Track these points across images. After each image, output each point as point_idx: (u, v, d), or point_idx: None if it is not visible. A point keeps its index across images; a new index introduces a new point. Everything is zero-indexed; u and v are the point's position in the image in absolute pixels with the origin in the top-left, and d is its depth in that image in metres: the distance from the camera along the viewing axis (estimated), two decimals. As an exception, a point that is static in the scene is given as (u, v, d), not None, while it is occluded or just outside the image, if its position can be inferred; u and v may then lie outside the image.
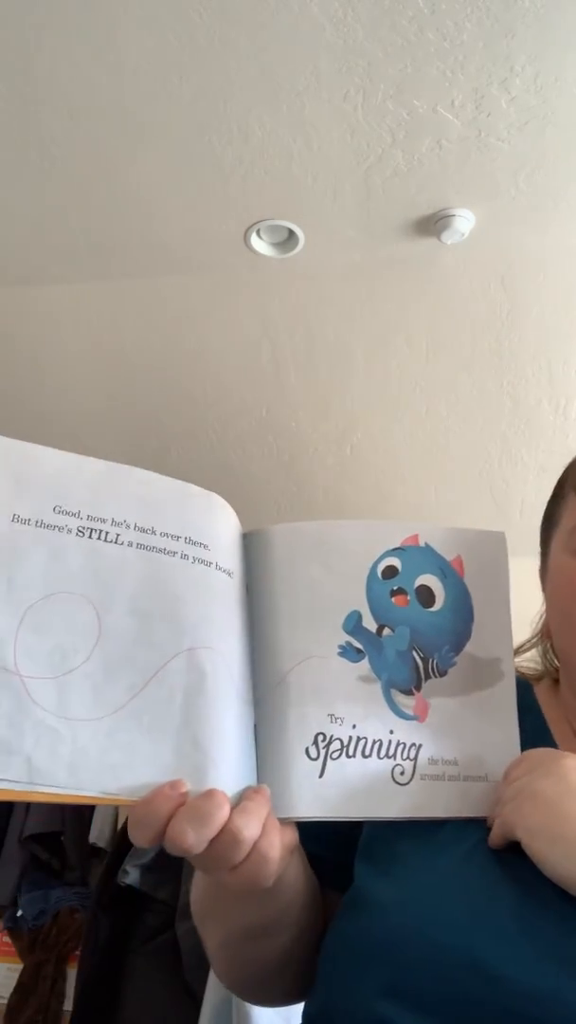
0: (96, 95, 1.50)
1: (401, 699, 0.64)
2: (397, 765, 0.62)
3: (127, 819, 0.56)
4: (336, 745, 0.61)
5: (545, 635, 0.81)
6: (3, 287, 1.99)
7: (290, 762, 0.60)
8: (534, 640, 0.82)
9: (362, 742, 0.62)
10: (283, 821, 0.58)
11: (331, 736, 0.61)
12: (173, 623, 0.59)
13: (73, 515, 0.59)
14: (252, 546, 0.66)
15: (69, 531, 0.59)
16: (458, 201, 1.71)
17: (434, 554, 0.69)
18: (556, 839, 0.56)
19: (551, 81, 1.45)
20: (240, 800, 0.55)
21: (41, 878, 2.33)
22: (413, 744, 0.63)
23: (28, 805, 2.32)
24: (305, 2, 1.33)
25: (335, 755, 0.61)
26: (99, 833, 2.31)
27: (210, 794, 0.53)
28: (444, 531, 0.70)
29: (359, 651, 0.64)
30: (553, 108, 1.50)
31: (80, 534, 0.59)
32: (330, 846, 0.70)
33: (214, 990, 1.57)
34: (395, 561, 0.67)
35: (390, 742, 0.63)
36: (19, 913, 2.29)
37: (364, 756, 0.61)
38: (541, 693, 0.78)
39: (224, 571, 0.63)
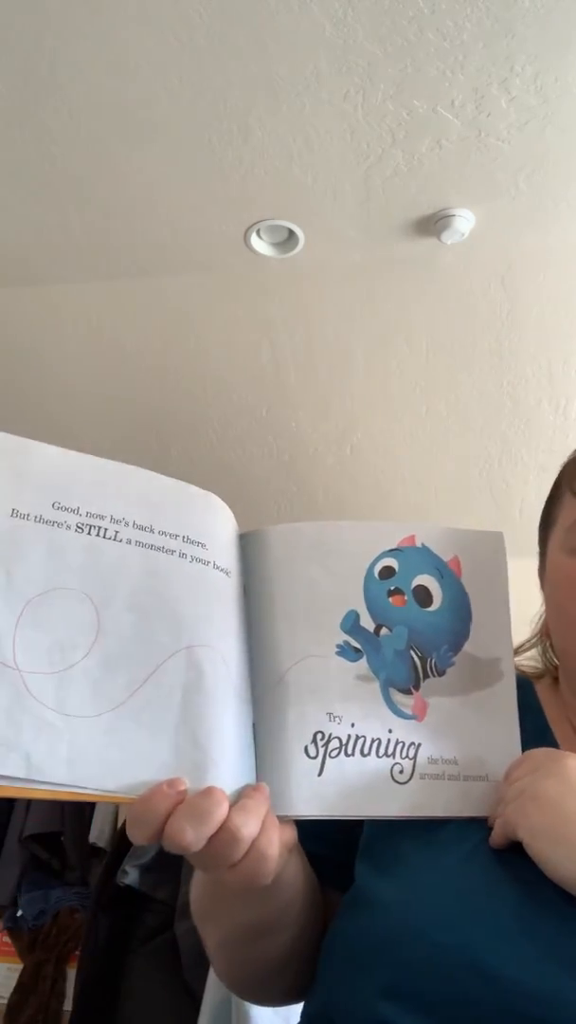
0: (96, 95, 1.50)
1: (400, 698, 0.64)
2: (396, 764, 0.62)
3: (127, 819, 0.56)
4: (335, 744, 0.61)
5: (545, 634, 0.81)
6: (3, 287, 1.99)
7: (289, 760, 0.60)
8: (534, 639, 0.82)
9: (361, 741, 0.62)
10: (282, 819, 0.58)
11: (330, 735, 0.61)
12: (172, 621, 0.59)
13: (72, 511, 0.59)
14: (249, 547, 0.66)
15: (68, 527, 0.59)
16: (458, 201, 1.71)
17: (431, 555, 0.69)
18: (559, 840, 0.56)
19: (551, 81, 1.45)
20: (239, 798, 0.55)
21: (41, 878, 2.33)
22: (412, 743, 0.63)
23: (28, 804, 2.33)
24: (305, 2, 1.33)
25: (334, 754, 0.61)
26: (99, 833, 2.31)
27: (209, 792, 0.53)
28: (441, 531, 0.70)
29: (357, 650, 0.64)
30: (553, 108, 1.50)
31: (80, 530, 0.59)
32: (331, 845, 0.70)
33: (213, 990, 1.57)
34: (392, 562, 0.68)
35: (389, 741, 0.63)
36: (19, 913, 2.29)
37: (363, 755, 0.62)
38: (542, 692, 0.78)
39: (222, 570, 0.63)
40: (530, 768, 0.62)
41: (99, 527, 0.60)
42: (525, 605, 0.77)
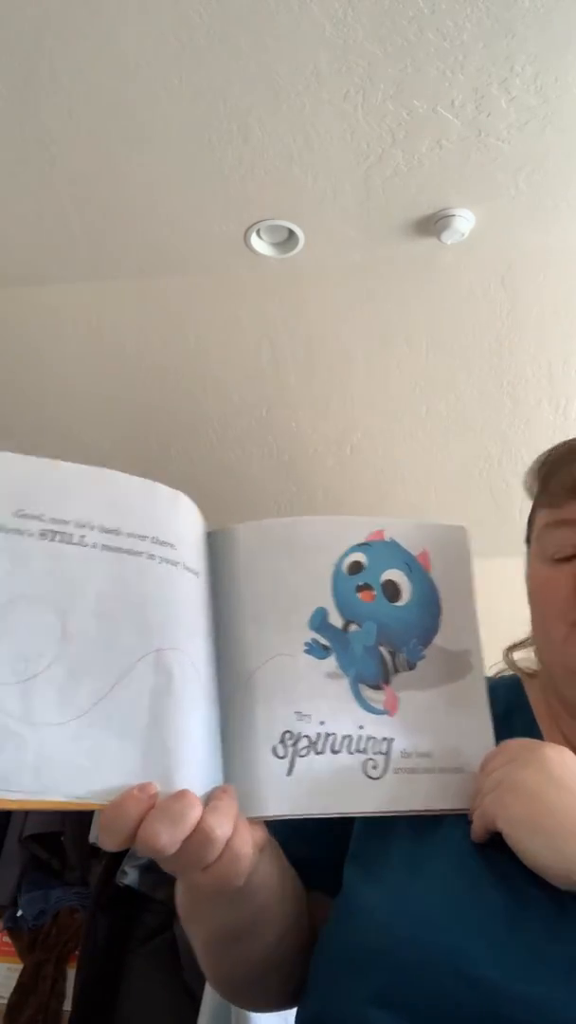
0: (96, 95, 1.50)
1: (370, 694, 0.64)
2: (369, 759, 0.62)
3: None
4: (304, 743, 0.61)
5: None
6: (3, 287, 1.99)
7: (257, 761, 0.59)
8: (528, 639, 0.82)
9: (331, 738, 0.61)
10: (251, 820, 0.58)
11: (299, 734, 0.61)
12: (140, 624, 0.59)
13: (36, 518, 0.59)
14: (217, 545, 0.66)
15: (31, 535, 0.58)
16: (458, 201, 1.71)
17: (400, 549, 0.69)
18: (537, 830, 0.56)
19: (551, 81, 1.45)
20: (208, 800, 0.55)
21: (41, 878, 2.32)
22: (384, 738, 0.63)
23: (28, 805, 2.32)
24: (305, 2, 1.33)
25: (303, 752, 0.60)
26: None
27: (181, 795, 0.53)
28: (409, 526, 0.70)
29: (326, 648, 0.64)
30: (553, 108, 1.50)
31: (44, 537, 0.58)
32: (320, 849, 0.70)
33: (213, 990, 1.57)
34: (361, 556, 0.67)
35: (360, 737, 0.62)
36: (19, 913, 2.29)
37: (333, 752, 0.61)
38: (533, 691, 0.78)
39: (190, 571, 0.63)
40: (506, 758, 0.61)
41: (64, 533, 0.59)
42: (523, 604, 0.77)
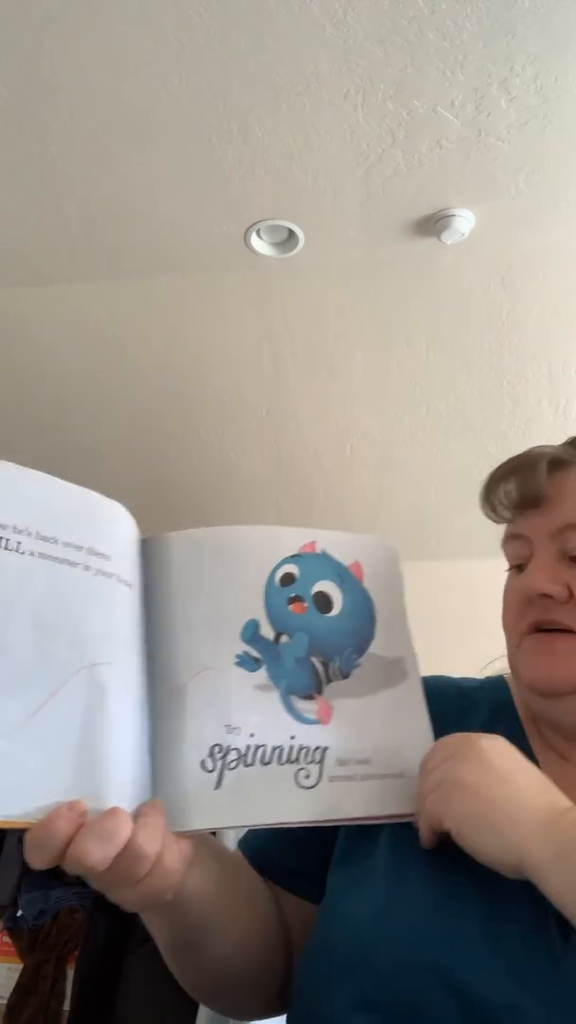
0: (96, 95, 1.50)
1: (301, 704, 0.64)
2: (301, 769, 0.62)
3: None
4: (233, 755, 0.60)
5: None
6: (3, 287, 1.99)
7: (185, 775, 0.59)
8: None
9: (261, 750, 0.61)
10: (179, 834, 0.58)
11: (228, 747, 0.60)
12: (75, 638, 0.57)
13: None
14: (151, 553, 0.66)
15: None
16: (458, 201, 1.71)
17: (331, 560, 0.69)
18: (484, 826, 0.56)
19: (551, 81, 1.45)
20: (137, 816, 0.55)
21: (41, 878, 2.32)
22: (318, 747, 0.63)
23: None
24: (305, 2, 1.33)
25: (232, 765, 0.60)
26: (99, 833, 2.31)
27: (112, 812, 0.53)
28: (341, 537, 0.71)
29: (256, 660, 0.64)
30: (553, 108, 1.50)
31: None
32: (306, 857, 0.70)
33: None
34: (293, 568, 0.68)
35: (292, 747, 0.62)
36: (19, 913, 2.29)
37: (264, 763, 0.61)
38: (518, 692, 0.78)
39: (124, 582, 0.62)
40: (444, 756, 0.61)
41: (2, 538, 0.57)
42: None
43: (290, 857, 0.72)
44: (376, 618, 0.69)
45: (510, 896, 0.54)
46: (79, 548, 0.60)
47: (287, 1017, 0.67)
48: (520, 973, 0.54)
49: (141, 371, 2.22)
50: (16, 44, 1.41)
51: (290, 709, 0.63)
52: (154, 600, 0.64)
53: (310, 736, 0.63)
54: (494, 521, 0.74)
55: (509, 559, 0.72)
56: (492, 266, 1.90)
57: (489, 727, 0.71)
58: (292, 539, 0.69)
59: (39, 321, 2.09)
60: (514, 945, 0.55)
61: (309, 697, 0.64)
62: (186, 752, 0.59)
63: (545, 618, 0.67)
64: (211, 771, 0.59)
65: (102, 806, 0.54)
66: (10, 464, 0.61)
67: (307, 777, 0.62)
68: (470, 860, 0.59)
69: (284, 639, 0.65)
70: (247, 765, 0.60)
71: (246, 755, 0.61)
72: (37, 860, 0.53)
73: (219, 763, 0.60)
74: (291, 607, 0.66)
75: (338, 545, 0.70)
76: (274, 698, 0.63)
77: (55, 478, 0.62)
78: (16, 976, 2.30)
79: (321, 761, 0.62)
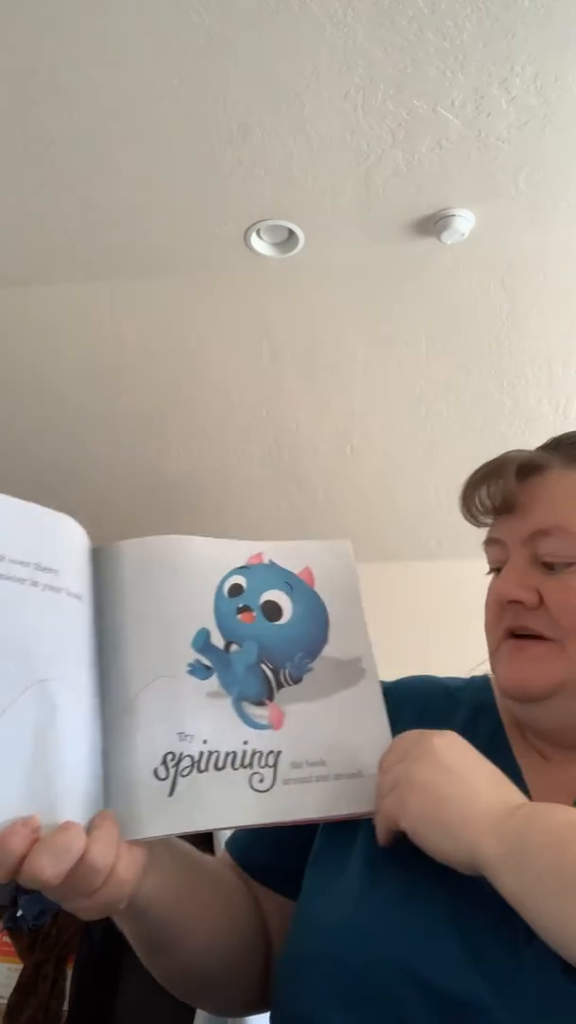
0: (96, 95, 1.50)
1: (253, 710, 0.65)
2: (255, 773, 0.62)
3: None
4: (186, 762, 0.61)
5: None
6: (3, 287, 1.99)
7: (138, 784, 0.59)
8: None
9: (214, 756, 0.62)
10: (132, 842, 0.58)
11: (181, 754, 0.61)
12: (23, 655, 0.57)
13: None
14: (102, 562, 0.66)
15: None
16: (458, 201, 1.71)
17: (279, 570, 0.70)
18: (436, 823, 0.57)
19: (551, 81, 1.45)
20: (90, 827, 0.56)
21: (41, 878, 2.32)
22: (271, 751, 0.64)
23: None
24: (305, 2, 1.33)
25: (185, 772, 0.60)
26: (99, 833, 2.31)
27: (66, 827, 0.54)
28: (288, 547, 0.72)
29: (208, 668, 0.64)
30: (553, 108, 1.50)
31: None
32: (286, 856, 0.71)
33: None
34: (241, 579, 0.69)
35: (245, 752, 0.63)
36: (19, 913, 2.28)
37: (217, 769, 0.62)
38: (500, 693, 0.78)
39: (74, 596, 0.62)
40: (399, 756, 0.62)
41: None
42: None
43: (272, 855, 0.73)
44: (329, 621, 0.70)
45: (478, 892, 0.55)
46: (25, 564, 0.60)
47: (270, 1014, 0.67)
48: (485, 968, 0.55)
49: (141, 371, 2.22)
50: (16, 44, 1.41)
51: (242, 715, 0.64)
52: (105, 610, 0.65)
53: (263, 741, 0.64)
54: (474, 526, 0.74)
55: (488, 562, 0.73)
56: (492, 266, 1.90)
57: (470, 727, 0.71)
58: (239, 551, 0.70)
59: (40, 321, 2.09)
60: (480, 941, 0.56)
61: (260, 703, 0.65)
62: (139, 761, 0.60)
63: (518, 624, 0.67)
64: (164, 779, 0.60)
65: (56, 820, 0.54)
66: None
67: (261, 781, 0.63)
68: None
69: (234, 648, 0.66)
70: (200, 771, 0.61)
71: (199, 762, 0.61)
72: None
73: (172, 771, 0.60)
74: (240, 617, 0.67)
75: (285, 554, 0.71)
76: (226, 705, 0.64)
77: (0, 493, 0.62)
78: (16, 976, 2.30)
79: (275, 765, 0.63)
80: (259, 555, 0.70)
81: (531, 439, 0.77)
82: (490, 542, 0.72)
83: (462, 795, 0.57)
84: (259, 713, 0.65)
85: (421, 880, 0.59)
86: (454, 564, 2.55)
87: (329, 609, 0.71)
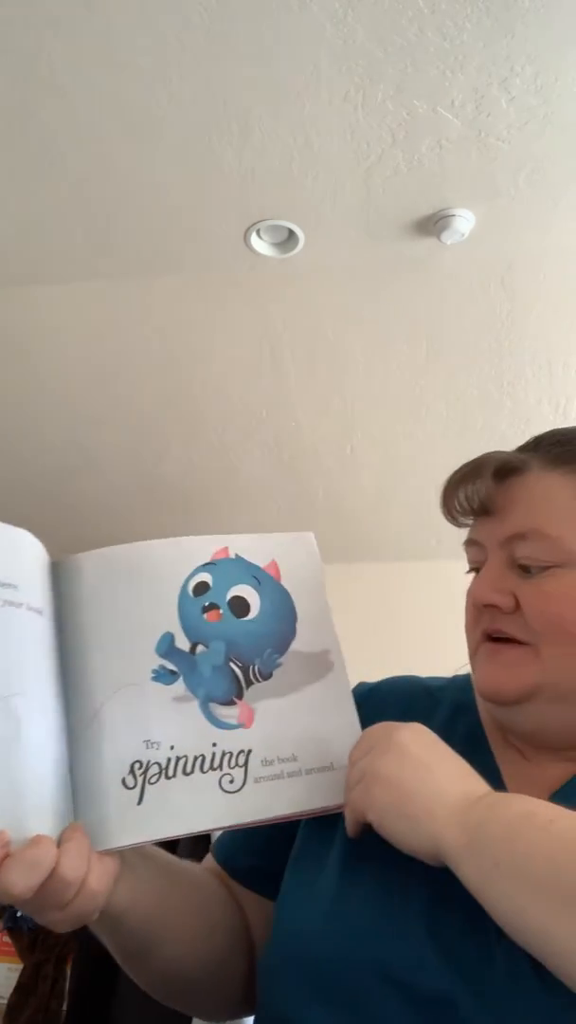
0: (96, 95, 1.50)
1: (222, 711, 0.64)
2: (225, 775, 0.62)
3: None
4: (154, 770, 0.61)
5: None
6: (3, 287, 1.99)
7: (106, 795, 0.59)
8: None
9: (182, 761, 0.62)
10: (103, 853, 0.58)
11: (148, 762, 0.61)
12: None
13: None
14: (62, 576, 0.66)
15: None
16: (458, 201, 1.71)
17: (245, 564, 0.70)
18: (401, 816, 0.57)
19: (551, 81, 1.45)
20: (60, 840, 0.56)
21: (41, 878, 2.32)
22: (241, 751, 0.63)
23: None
24: (305, 2, 1.33)
25: (153, 780, 0.60)
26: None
27: (36, 841, 0.54)
28: (253, 539, 0.71)
29: (173, 672, 0.64)
30: (553, 108, 1.50)
31: None
32: (270, 858, 0.71)
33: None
34: (206, 576, 0.68)
35: (214, 754, 0.63)
36: (19, 913, 2.28)
37: (185, 774, 0.61)
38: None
39: (34, 610, 0.62)
40: (366, 748, 0.62)
41: None
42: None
43: (256, 858, 0.73)
44: (297, 615, 0.70)
45: (453, 889, 0.55)
46: None
47: (255, 1015, 0.68)
48: (457, 966, 0.55)
49: (141, 371, 2.22)
50: (16, 44, 1.41)
51: (210, 717, 0.64)
52: (67, 623, 0.64)
53: (232, 741, 0.63)
54: (455, 526, 0.74)
55: (468, 562, 0.73)
56: (492, 266, 1.90)
57: (450, 725, 0.71)
58: (203, 547, 0.69)
59: (40, 321, 2.09)
60: (453, 938, 0.56)
61: (229, 703, 0.65)
62: (107, 771, 0.60)
63: (493, 627, 0.67)
64: (132, 788, 0.60)
65: (25, 834, 0.54)
66: None
67: (231, 782, 0.62)
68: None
69: (201, 649, 0.65)
70: (169, 778, 0.61)
71: (167, 768, 0.61)
72: None
73: (140, 779, 0.60)
74: (206, 616, 0.67)
75: (251, 547, 0.70)
76: (193, 708, 0.64)
77: None
78: (16, 976, 2.30)
79: (245, 764, 0.63)
80: (224, 549, 0.70)
81: (531, 439, 0.77)
82: (469, 543, 0.72)
83: (426, 787, 0.57)
84: (228, 713, 0.64)
85: (397, 878, 0.60)
86: (454, 564, 2.55)
87: (296, 603, 0.70)
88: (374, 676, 0.82)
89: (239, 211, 1.75)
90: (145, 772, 0.60)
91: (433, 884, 0.58)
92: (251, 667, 0.66)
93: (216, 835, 0.79)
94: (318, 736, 0.66)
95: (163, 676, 0.64)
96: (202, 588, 0.67)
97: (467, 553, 0.73)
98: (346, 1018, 0.56)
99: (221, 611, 0.67)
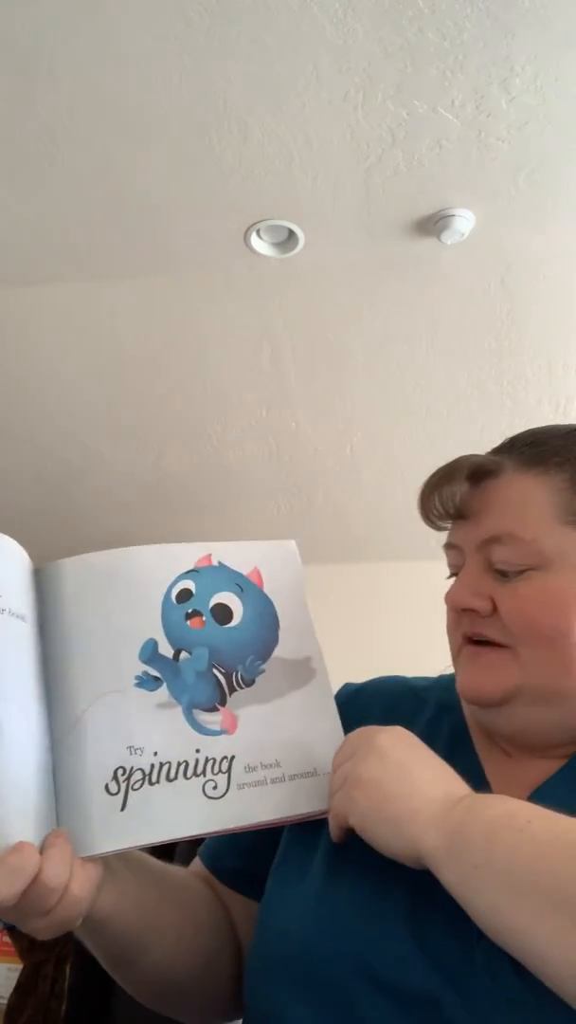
0: (96, 95, 1.50)
1: (205, 717, 0.64)
2: (209, 781, 0.62)
3: None
4: (137, 776, 0.61)
5: None
6: (3, 287, 1.99)
7: (88, 801, 0.59)
8: None
9: (165, 767, 0.62)
10: (86, 859, 0.58)
11: (131, 768, 0.61)
12: None
13: None
14: (45, 582, 0.66)
15: None
16: (458, 201, 1.71)
17: (228, 571, 0.70)
18: (382, 820, 0.57)
19: (551, 81, 1.45)
20: (43, 847, 0.56)
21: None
22: (224, 757, 0.63)
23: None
24: (305, 2, 1.33)
25: (136, 786, 0.60)
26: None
27: (19, 848, 0.54)
28: (236, 547, 0.71)
29: (156, 679, 0.64)
30: (553, 108, 1.50)
31: None
32: (256, 860, 0.71)
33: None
34: (189, 583, 0.68)
35: (197, 761, 0.63)
36: (19, 913, 2.28)
37: (169, 780, 0.61)
38: None
39: (16, 616, 0.62)
40: (348, 753, 0.62)
41: None
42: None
43: (242, 860, 0.73)
44: (279, 622, 0.70)
45: (435, 890, 0.55)
46: None
47: (243, 1016, 0.68)
48: (439, 965, 0.55)
49: (141, 371, 2.22)
50: (16, 43, 1.41)
51: (193, 723, 0.64)
52: (50, 629, 0.64)
53: (216, 747, 0.64)
54: (435, 530, 0.74)
55: (448, 567, 0.73)
56: (492, 266, 1.90)
57: (435, 725, 0.72)
58: (187, 555, 0.69)
59: (39, 321, 2.09)
60: (435, 938, 0.57)
61: (213, 709, 0.65)
62: (90, 777, 0.60)
63: (473, 631, 0.67)
64: (116, 794, 0.60)
65: (8, 841, 0.55)
66: None
67: (215, 788, 0.62)
68: None
69: (184, 655, 0.65)
70: (152, 784, 0.61)
71: (151, 774, 0.61)
72: None
73: (124, 785, 0.60)
74: (189, 622, 0.67)
75: (234, 555, 0.71)
76: (176, 714, 0.64)
77: None
78: (16, 976, 2.29)
79: (228, 771, 0.63)
80: (208, 557, 0.70)
81: (531, 439, 0.77)
82: (448, 547, 0.72)
83: (406, 790, 0.57)
84: (211, 719, 0.64)
85: (380, 880, 0.60)
86: (454, 564, 2.55)
87: (279, 610, 0.70)
88: (376, 675, 0.83)
89: (239, 211, 1.75)
90: (128, 778, 0.60)
91: (415, 885, 0.58)
92: (234, 674, 0.67)
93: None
94: (301, 742, 0.66)
95: (146, 682, 0.64)
96: (185, 595, 0.68)
97: (447, 557, 0.73)
98: (330, 1017, 0.56)
99: (204, 618, 0.67)
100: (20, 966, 2.36)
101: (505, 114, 1.51)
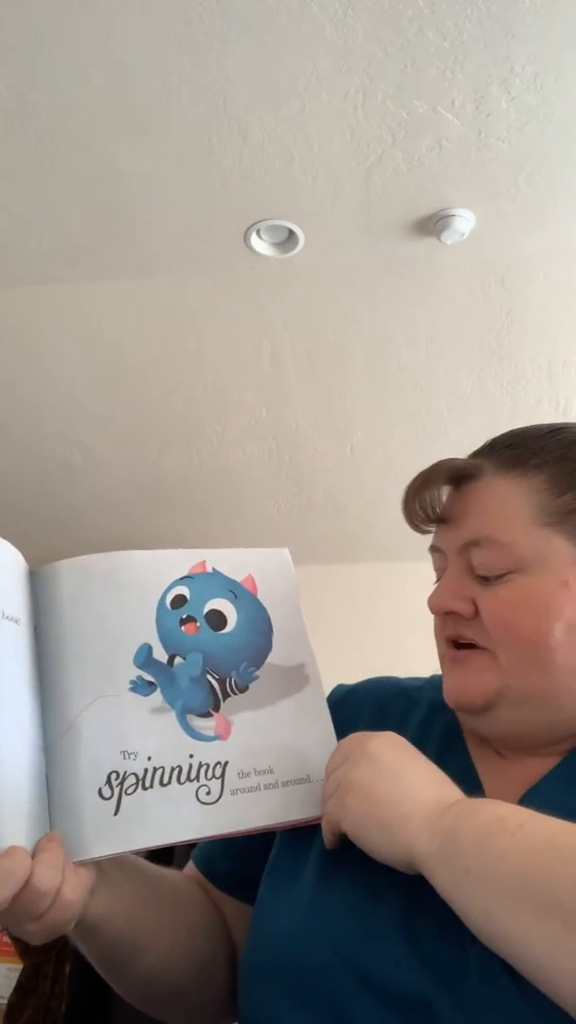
0: (96, 95, 1.50)
1: (199, 723, 0.65)
2: (202, 786, 0.62)
3: None
4: (131, 780, 0.61)
5: None
6: (3, 287, 1.99)
7: (82, 805, 0.59)
8: None
9: (159, 772, 0.62)
10: (79, 863, 0.58)
11: (125, 773, 0.61)
12: None
13: None
14: (40, 584, 0.66)
15: None
16: (458, 201, 1.71)
17: (223, 578, 0.70)
18: (375, 825, 0.57)
19: (551, 81, 1.45)
20: (36, 851, 0.56)
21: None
22: (218, 763, 0.64)
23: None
24: (305, 2, 1.33)
25: (130, 790, 0.60)
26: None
27: (10, 852, 0.54)
28: (231, 554, 0.72)
29: (150, 684, 0.64)
30: (553, 108, 1.50)
31: None
32: (249, 864, 0.71)
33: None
34: (184, 590, 0.68)
35: (191, 766, 0.63)
36: (19, 913, 2.28)
37: (162, 785, 0.61)
38: None
39: (10, 619, 0.62)
40: (341, 759, 0.62)
41: None
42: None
43: (235, 863, 0.73)
44: (273, 629, 0.70)
45: (427, 894, 0.55)
46: None
47: (237, 1018, 0.68)
48: (432, 968, 0.55)
49: (141, 370, 2.22)
50: (16, 43, 1.41)
51: (187, 728, 0.64)
52: (45, 632, 0.64)
53: (209, 753, 0.64)
54: (419, 533, 0.74)
55: (433, 570, 0.73)
56: (492, 266, 1.90)
57: (427, 725, 0.72)
58: (182, 561, 0.70)
59: (39, 321, 2.09)
60: (428, 942, 0.57)
61: (206, 715, 0.65)
62: (83, 781, 0.60)
63: (456, 633, 0.67)
64: (109, 798, 0.60)
65: (0, 845, 0.55)
66: None
67: (208, 793, 0.62)
68: None
69: (178, 660, 0.66)
70: (145, 788, 0.61)
71: (144, 779, 0.61)
72: None
73: (117, 790, 0.60)
74: (183, 628, 0.67)
75: (229, 562, 0.71)
76: (170, 719, 0.64)
77: None
78: (16, 976, 2.29)
79: (222, 776, 0.63)
80: (202, 563, 0.70)
81: (531, 439, 0.77)
82: (432, 550, 0.72)
83: (398, 795, 0.57)
84: (205, 725, 0.65)
85: (373, 884, 0.60)
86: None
87: (272, 617, 0.71)
88: (375, 674, 0.83)
89: (239, 211, 1.75)
90: (122, 782, 0.60)
91: (408, 889, 0.58)
92: (228, 680, 0.67)
93: None
94: (294, 748, 0.66)
95: (140, 687, 0.64)
96: (180, 601, 0.68)
97: (432, 560, 0.73)
98: (323, 1021, 0.56)
99: (198, 624, 0.68)
100: (20, 966, 2.36)
101: (505, 114, 1.51)
